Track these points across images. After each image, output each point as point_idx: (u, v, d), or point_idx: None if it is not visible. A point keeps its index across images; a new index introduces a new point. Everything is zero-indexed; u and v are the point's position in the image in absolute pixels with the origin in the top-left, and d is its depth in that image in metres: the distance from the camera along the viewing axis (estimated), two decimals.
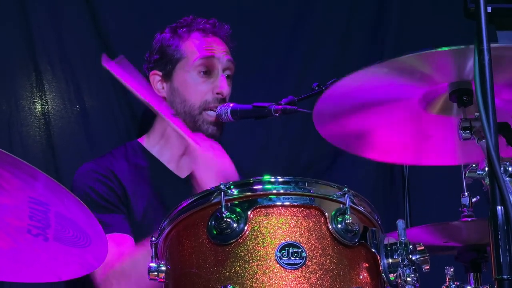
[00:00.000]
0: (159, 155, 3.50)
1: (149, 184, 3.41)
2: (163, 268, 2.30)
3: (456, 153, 2.70)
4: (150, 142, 3.53)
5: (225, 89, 3.39)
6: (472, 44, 2.06)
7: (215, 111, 3.37)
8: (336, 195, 2.26)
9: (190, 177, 3.31)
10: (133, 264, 3.02)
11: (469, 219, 2.79)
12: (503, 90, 2.36)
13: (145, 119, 3.68)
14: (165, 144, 3.49)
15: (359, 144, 2.73)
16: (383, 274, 2.24)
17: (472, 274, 2.94)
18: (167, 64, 3.46)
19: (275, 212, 2.21)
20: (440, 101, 2.51)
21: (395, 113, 2.58)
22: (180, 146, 3.46)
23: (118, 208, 3.28)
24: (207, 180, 3.08)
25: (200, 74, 3.41)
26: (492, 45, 2.03)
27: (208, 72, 3.42)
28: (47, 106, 3.78)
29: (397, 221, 2.28)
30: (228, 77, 3.45)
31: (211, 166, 3.13)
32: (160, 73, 3.47)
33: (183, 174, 3.49)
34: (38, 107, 3.77)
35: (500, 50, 2.24)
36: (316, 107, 2.49)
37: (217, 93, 3.39)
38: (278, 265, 2.14)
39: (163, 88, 3.47)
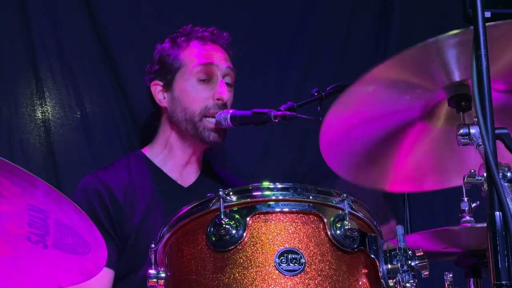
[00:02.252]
0: (162, 164, 3.50)
1: (151, 194, 3.41)
2: (163, 275, 2.30)
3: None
4: (154, 152, 3.54)
5: (225, 94, 3.39)
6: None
7: (214, 117, 3.38)
8: (335, 201, 2.26)
9: (193, 186, 3.32)
10: None
11: (468, 225, 2.79)
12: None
13: (148, 129, 3.68)
14: (168, 154, 3.50)
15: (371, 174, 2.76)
16: (382, 280, 2.24)
17: (472, 279, 2.94)
18: (167, 73, 3.47)
19: (274, 218, 2.21)
20: (442, 112, 2.53)
21: (400, 135, 2.60)
22: (183, 156, 3.47)
23: (109, 236, 3.29)
24: None
25: (200, 82, 3.42)
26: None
27: (207, 79, 3.42)
28: (47, 113, 3.77)
29: (396, 227, 2.29)
30: (228, 84, 3.46)
31: None
32: (161, 83, 3.48)
33: (186, 183, 3.49)
34: (39, 114, 3.77)
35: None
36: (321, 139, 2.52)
37: (218, 99, 3.39)
38: (277, 272, 2.14)
39: (164, 98, 3.48)
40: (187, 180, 3.51)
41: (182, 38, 3.49)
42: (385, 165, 2.75)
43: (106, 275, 3.25)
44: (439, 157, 2.76)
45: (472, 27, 2.01)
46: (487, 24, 2.00)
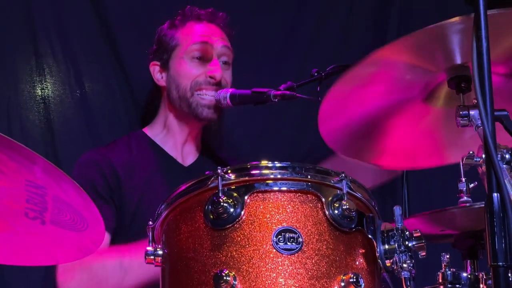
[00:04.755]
0: (162, 143, 3.52)
1: (152, 171, 3.42)
2: (160, 252, 2.30)
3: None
4: (154, 131, 3.56)
5: (218, 72, 3.40)
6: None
7: (207, 94, 3.38)
8: (333, 181, 2.25)
9: (193, 165, 3.33)
10: (103, 267, 3.06)
11: (466, 205, 2.79)
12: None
13: (149, 109, 3.69)
14: (167, 133, 3.52)
15: (367, 151, 2.75)
16: (379, 260, 2.24)
17: (469, 261, 2.94)
18: (164, 53, 3.50)
19: (272, 197, 2.20)
20: (441, 93, 2.52)
21: (398, 114, 2.59)
22: (181, 134, 3.48)
23: (106, 202, 3.29)
24: None
25: (194, 60, 3.44)
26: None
27: (202, 58, 3.44)
28: (47, 90, 3.78)
29: (394, 208, 2.29)
30: (225, 63, 3.46)
31: None
32: (159, 63, 3.51)
33: (186, 162, 3.51)
34: (38, 91, 3.77)
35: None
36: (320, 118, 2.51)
37: (210, 77, 3.40)
38: (274, 250, 2.14)
39: (162, 77, 3.52)
40: (187, 159, 3.52)
41: (179, 18, 3.52)
42: (382, 142, 2.75)
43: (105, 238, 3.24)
44: (436, 137, 2.76)
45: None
46: (488, 12, 2.00)
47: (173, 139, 3.51)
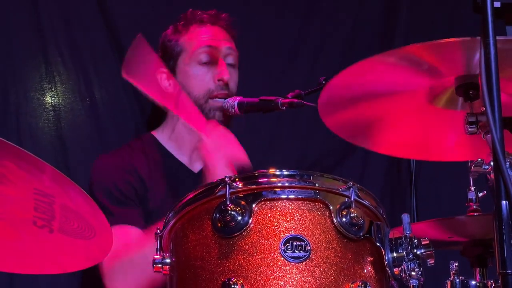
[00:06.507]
0: (172, 148, 3.52)
1: (164, 178, 3.42)
2: (168, 260, 2.30)
3: (462, 148, 2.69)
4: (164, 136, 3.55)
5: (226, 75, 3.40)
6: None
7: (220, 98, 3.38)
8: (341, 188, 2.25)
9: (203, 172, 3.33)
10: (142, 253, 3.03)
11: (475, 214, 2.78)
12: (508, 84, 2.36)
13: (157, 112, 3.69)
14: (177, 138, 3.51)
15: (365, 136, 2.73)
16: (387, 268, 2.23)
17: (478, 269, 2.93)
18: (170, 59, 3.49)
19: (279, 205, 2.20)
20: (446, 95, 2.51)
21: (400, 106, 2.57)
22: (192, 140, 3.47)
23: (135, 204, 3.30)
24: (219, 167, 3.08)
25: (201, 64, 3.43)
26: (498, 38, 2.02)
27: (208, 61, 3.43)
28: (57, 98, 3.78)
29: (402, 215, 2.28)
30: (230, 65, 3.46)
31: (222, 155, 3.13)
32: (165, 70, 3.48)
33: (195, 168, 3.50)
34: (48, 99, 3.77)
35: (507, 43, 2.23)
36: (321, 97, 2.49)
37: (218, 80, 3.40)
38: (282, 258, 2.13)
39: (169, 84, 3.48)
40: (196, 165, 3.51)
41: (182, 23, 3.51)
42: (386, 131, 2.73)
43: (139, 234, 3.23)
44: (441, 133, 2.74)
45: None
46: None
47: (182, 144, 3.50)
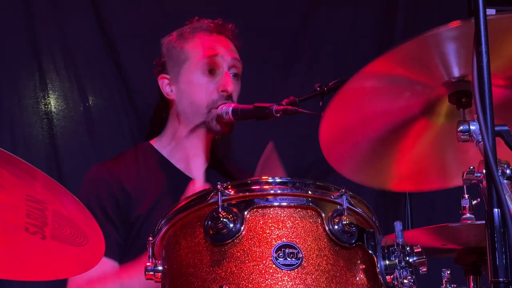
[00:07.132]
0: (169, 156, 3.51)
1: (160, 184, 3.41)
2: (160, 268, 2.30)
3: None
4: (162, 144, 3.55)
5: (230, 86, 3.39)
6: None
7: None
8: (333, 196, 2.25)
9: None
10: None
11: (468, 222, 2.78)
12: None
13: (156, 122, 3.68)
14: (176, 145, 3.51)
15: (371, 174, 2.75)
16: (379, 276, 2.23)
17: (472, 277, 2.93)
18: (174, 66, 3.48)
19: (271, 212, 2.20)
20: (442, 109, 2.52)
21: (401, 134, 2.59)
22: (191, 147, 3.47)
23: (115, 226, 3.29)
24: None
25: (205, 73, 3.42)
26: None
27: (212, 71, 3.42)
28: (50, 106, 3.78)
29: (395, 223, 2.28)
30: (235, 75, 3.46)
31: None
32: (168, 76, 3.48)
33: (194, 175, 3.49)
34: (42, 106, 3.77)
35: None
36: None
37: (222, 91, 3.39)
38: (274, 266, 2.13)
39: (171, 91, 3.49)
40: (194, 172, 3.50)
41: (188, 30, 3.50)
42: (386, 163, 2.74)
43: (109, 265, 3.24)
44: (441, 156, 2.75)
45: (472, 20, 2.00)
46: (488, 17, 1.99)
47: (181, 151, 3.50)
